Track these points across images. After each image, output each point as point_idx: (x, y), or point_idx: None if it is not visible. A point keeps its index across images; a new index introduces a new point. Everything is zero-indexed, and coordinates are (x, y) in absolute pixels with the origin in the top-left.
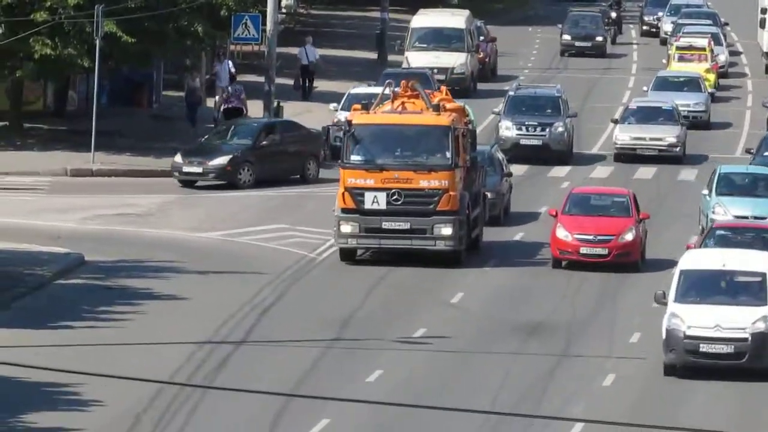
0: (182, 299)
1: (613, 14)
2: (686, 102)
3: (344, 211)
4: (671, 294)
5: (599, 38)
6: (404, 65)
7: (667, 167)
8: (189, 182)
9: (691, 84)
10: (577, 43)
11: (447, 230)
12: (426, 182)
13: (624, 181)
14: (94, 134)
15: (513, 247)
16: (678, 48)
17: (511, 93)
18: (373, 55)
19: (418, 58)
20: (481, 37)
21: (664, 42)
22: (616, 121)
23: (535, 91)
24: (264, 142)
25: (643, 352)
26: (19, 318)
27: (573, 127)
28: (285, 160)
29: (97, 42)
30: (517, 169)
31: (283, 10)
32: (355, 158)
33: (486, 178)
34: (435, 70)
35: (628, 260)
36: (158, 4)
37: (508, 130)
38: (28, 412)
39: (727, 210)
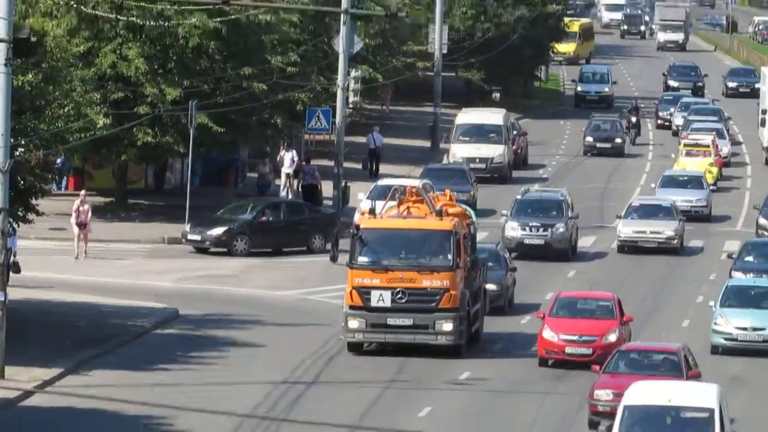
0: (261, 346)
1: (633, 119)
2: (689, 198)
3: (352, 308)
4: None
5: (618, 140)
6: (449, 156)
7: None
8: (201, 249)
9: (694, 182)
10: (598, 144)
11: (448, 326)
12: (429, 282)
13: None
14: (188, 209)
15: (513, 338)
16: (686, 145)
17: (519, 197)
18: (427, 144)
19: (461, 150)
20: (515, 131)
21: (675, 133)
22: (619, 217)
23: (541, 195)
24: (263, 218)
25: None
26: (123, 362)
27: (576, 227)
28: (285, 234)
29: (191, 131)
30: (522, 265)
31: (350, 106)
32: (362, 259)
33: (491, 272)
34: (477, 160)
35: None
36: (243, 100)
37: (514, 230)
38: None
39: (728, 321)
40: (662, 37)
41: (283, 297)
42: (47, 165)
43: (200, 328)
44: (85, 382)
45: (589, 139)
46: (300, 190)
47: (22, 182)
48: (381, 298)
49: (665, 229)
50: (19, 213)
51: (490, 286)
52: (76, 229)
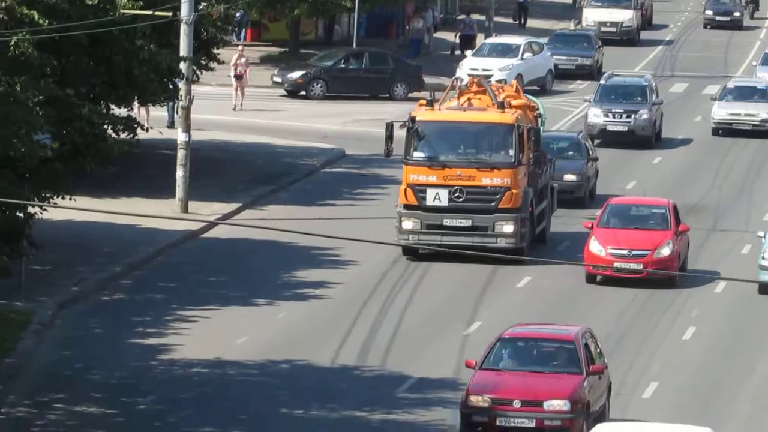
0: None
1: None
2: None
3: (406, 207)
4: None
5: (737, 14)
6: (583, 18)
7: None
8: (291, 92)
9: None
10: (717, 18)
11: (509, 228)
12: (488, 180)
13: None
14: None
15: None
16: None
17: (603, 82)
18: (569, 1)
19: (594, 14)
20: None
21: None
22: (714, 99)
23: (624, 80)
24: (343, 65)
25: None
26: (295, 197)
27: (662, 113)
28: (365, 82)
29: None
30: (604, 154)
31: None
32: (417, 155)
33: (571, 162)
34: (608, 24)
35: (665, 277)
36: None
37: (597, 117)
38: (299, 269)
39: None
40: None
41: None
42: (227, 18)
43: (364, 167)
44: (260, 216)
45: (709, 12)
46: (458, 39)
47: (204, 33)
48: (437, 197)
49: (760, 111)
50: (202, 62)
51: (569, 176)
52: (234, 82)
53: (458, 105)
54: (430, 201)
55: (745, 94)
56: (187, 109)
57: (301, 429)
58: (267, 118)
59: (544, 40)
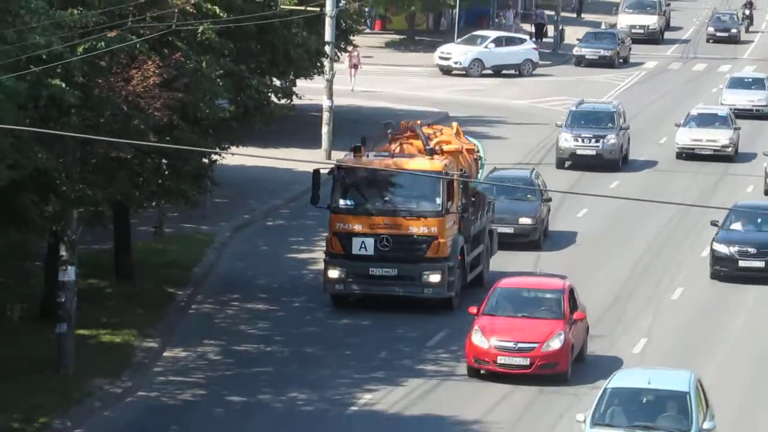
0: (505, 138)
1: (747, 11)
2: (752, 98)
3: (332, 255)
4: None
5: (734, 30)
6: (618, 22)
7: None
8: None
9: (758, 83)
10: (717, 33)
11: (435, 277)
12: (415, 228)
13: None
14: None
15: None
16: None
17: (573, 108)
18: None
19: (626, 19)
20: (666, 3)
21: None
22: (678, 125)
23: (593, 107)
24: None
25: None
26: None
27: (629, 137)
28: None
29: None
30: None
31: None
32: (343, 203)
33: (526, 204)
34: (637, 27)
35: (554, 371)
36: None
37: (567, 141)
38: None
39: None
40: None
41: (518, 105)
42: (360, 12)
43: (464, 126)
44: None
45: (711, 29)
46: (533, 27)
47: (343, 24)
48: (363, 246)
49: (720, 137)
50: (341, 45)
51: (524, 220)
52: (349, 70)
53: (391, 150)
54: (356, 250)
55: (707, 121)
56: (330, 81)
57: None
58: (407, 89)
59: (583, 32)
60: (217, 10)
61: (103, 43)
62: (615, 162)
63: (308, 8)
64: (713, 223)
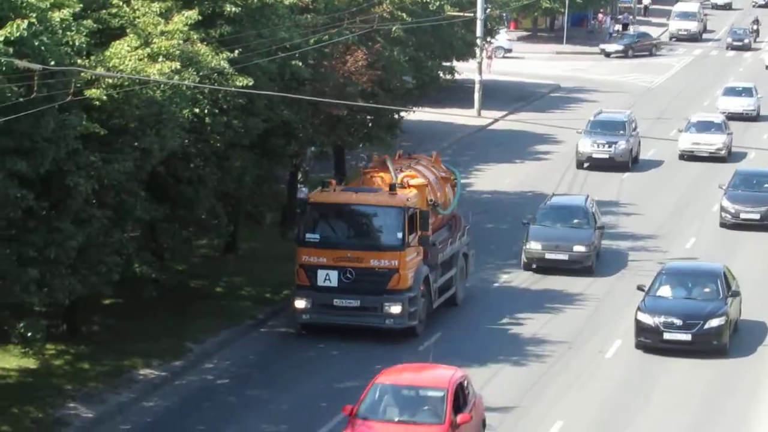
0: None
1: (755, 26)
2: (742, 103)
3: (299, 287)
4: None
5: (746, 40)
6: (670, 26)
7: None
8: (606, 54)
9: (747, 91)
10: (734, 43)
11: (396, 308)
12: (377, 261)
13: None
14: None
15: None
16: None
17: (592, 118)
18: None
19: (675, 25)
20: (704, 14)
21: None
22: (680, 131)
23: (609, 116)
24: (637, 40)
25: None
26: (536, 107)
27: (638, 141)
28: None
29: None
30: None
31: None
32: (309, 236)
33: (580, 231)
34: (683, 30)
35: None
36: None
37: (585, 146)
38: None
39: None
40: None
41: (626, 82)
42: (501, 15)
43: (570, 93)
44: (517, 118)
45: (729, 39)
46: (621, 27)
47: (489, 24)
48: (327, 278)
49: (716, 141)
50: (487, 39)
51: (578, 248)
52: (486, 61)
53: (362, 183)
54: (320, 281)
55: (705, 127)
56: (480, 63)
57: None
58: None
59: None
60: (405, 16)
61: (327, 37)
62: (625, 163)
63: (465, 14)
64: (720, 186)
